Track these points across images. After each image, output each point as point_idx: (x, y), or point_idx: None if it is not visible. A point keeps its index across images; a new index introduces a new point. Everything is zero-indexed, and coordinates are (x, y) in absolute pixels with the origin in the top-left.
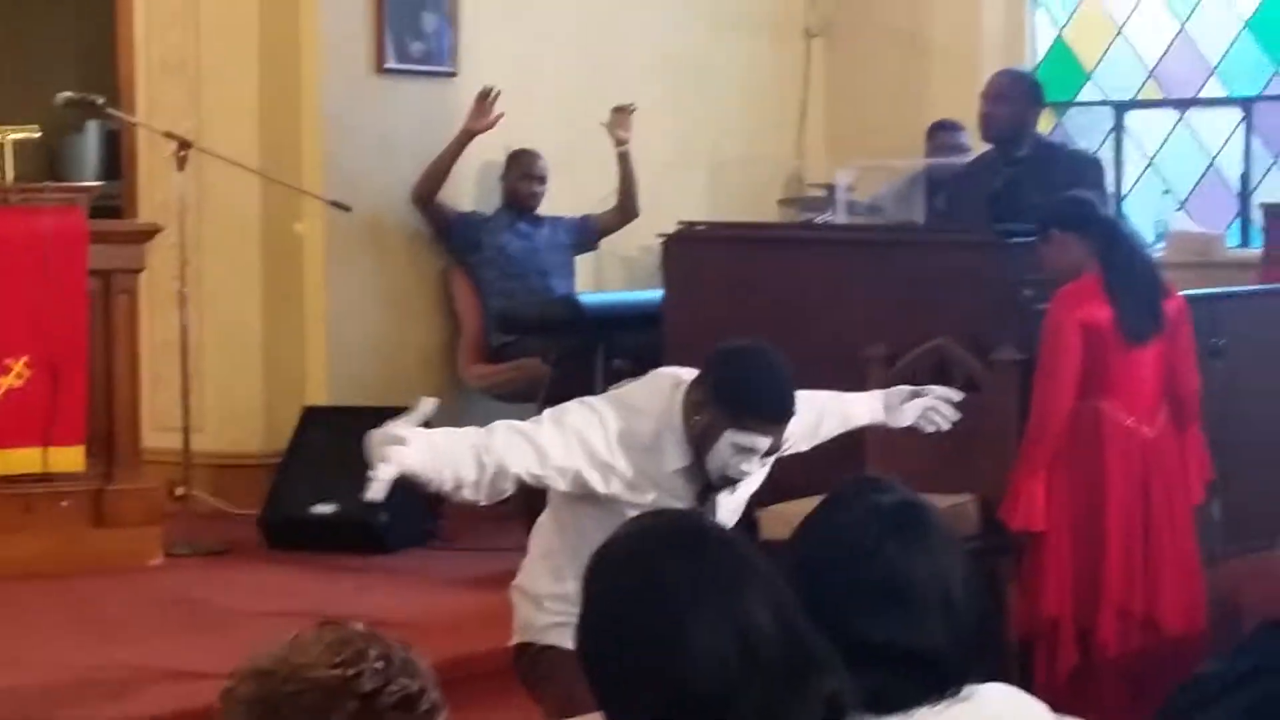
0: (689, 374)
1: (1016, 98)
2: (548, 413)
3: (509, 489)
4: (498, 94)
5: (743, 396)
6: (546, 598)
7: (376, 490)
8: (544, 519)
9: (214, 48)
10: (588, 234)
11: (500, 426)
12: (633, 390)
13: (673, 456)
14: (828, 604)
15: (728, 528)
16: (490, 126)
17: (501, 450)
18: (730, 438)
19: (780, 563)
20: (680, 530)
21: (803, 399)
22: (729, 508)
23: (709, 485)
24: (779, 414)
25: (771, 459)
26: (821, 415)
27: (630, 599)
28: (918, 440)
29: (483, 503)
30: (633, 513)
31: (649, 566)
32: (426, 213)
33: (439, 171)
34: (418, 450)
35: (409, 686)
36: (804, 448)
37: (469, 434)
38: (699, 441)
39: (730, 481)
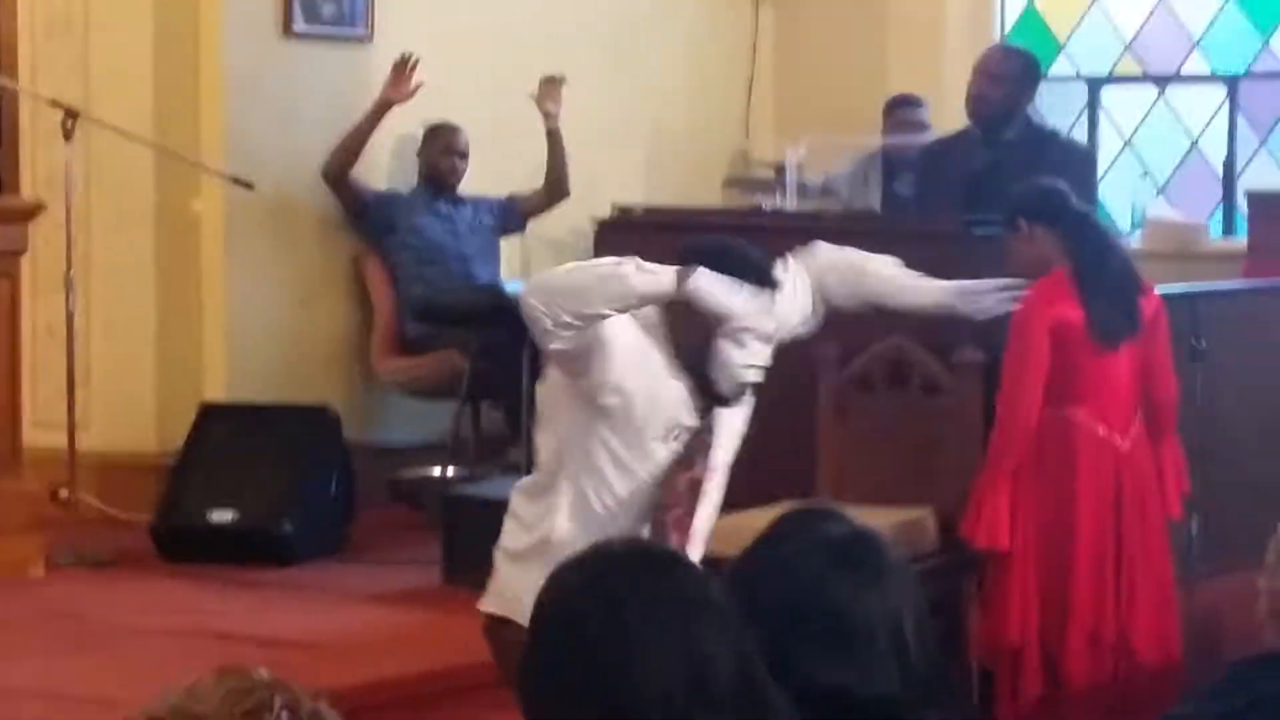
0: None
1: (1014, 77)
2: None
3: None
4: (417, 61)
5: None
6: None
7: None
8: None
9: (103, 6)
10: (513, 216)
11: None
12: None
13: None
14: (771, 643)
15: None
16: (409, 96)
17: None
18: (728, 330)
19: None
20: (644, 557)
21: (829, 250)
22: (731, 428)
23: (716, 399)
24: (763, 278)
25: (773, 345)
26: (863, 271)
27: (584, 618)
28: (872, 448)
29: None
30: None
31: (608, 589)
32: (338, 191)
33: (353, 145)
34: None
35: None
36: (848, 305)
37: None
38: (697, 355)
39: (744, 388)
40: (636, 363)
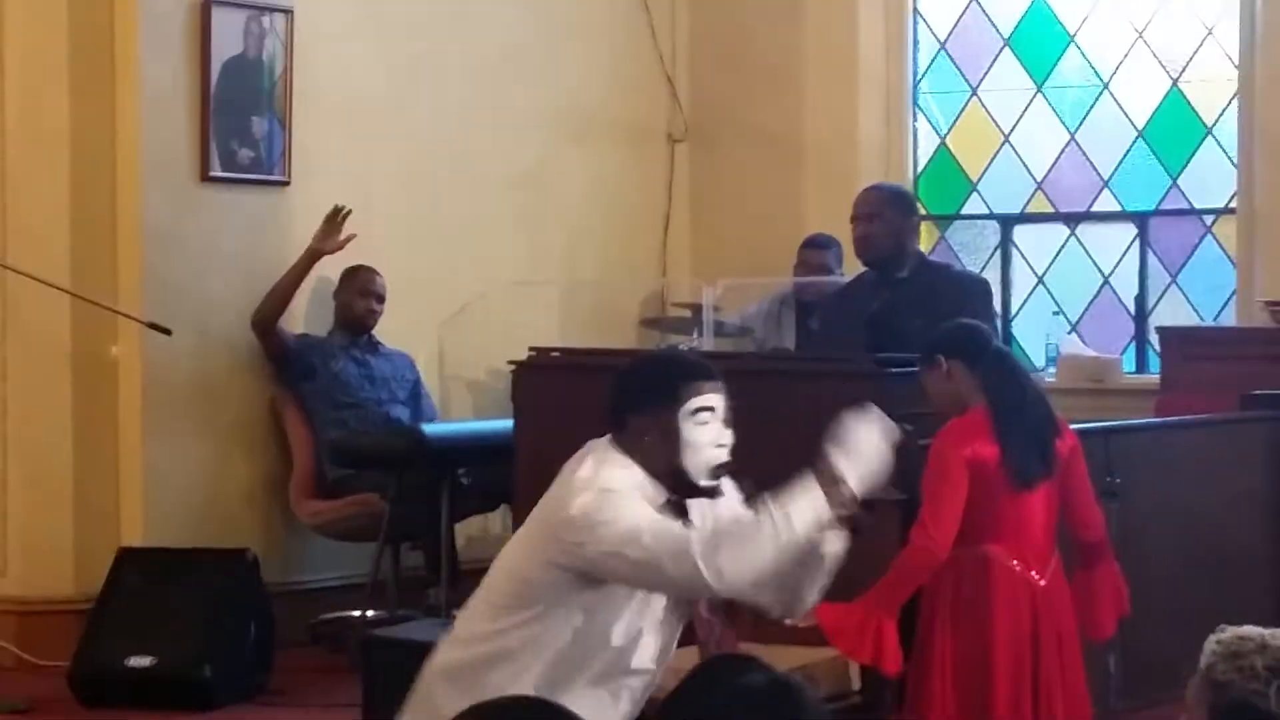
0: (601, 444)
1: (891, 215)
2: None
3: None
4: (348, 213)
5: (662, 374)
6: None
7: None
8: (490, 623)
9: (19, 155)
10: (420, 399)
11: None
12: (602, 478)
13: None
14: None
15: None
16: (340, 247)
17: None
18: (686, 415)
19: None
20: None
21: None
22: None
23: (696, 494)
24: (701, 367)
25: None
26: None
27: None
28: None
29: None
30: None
31: None
32: (265, 339)
33: (282, 295)
34: None
35: None
36: None
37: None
38: (668, 457)
39: (720, 472)
40: None
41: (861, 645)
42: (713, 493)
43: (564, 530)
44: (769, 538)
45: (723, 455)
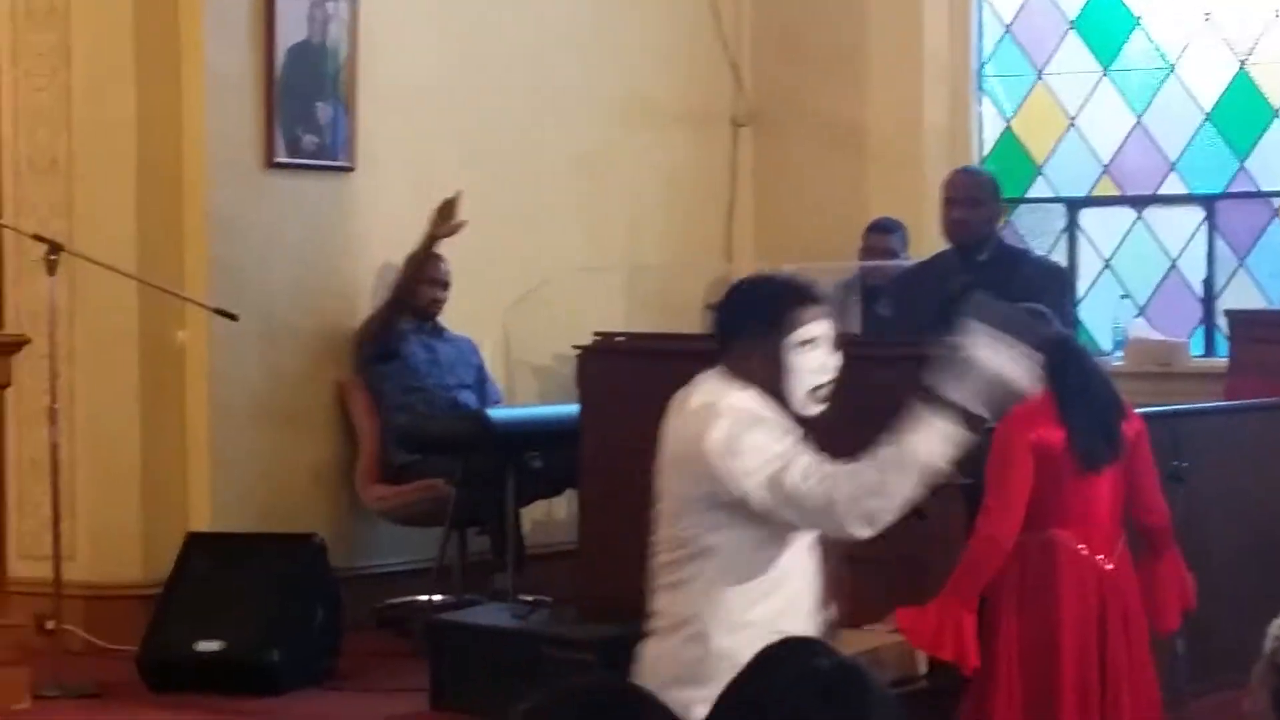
0: (710, 374)
1: (990, 201)
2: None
3: None
4: (460, 197)
5: (768, 301)
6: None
7: None
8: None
9: (87, 145)
10: (485, 384)
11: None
12: (738, 409)
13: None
14: None
15: None
16: (455, 232)
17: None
18: (791, 346)
19: None
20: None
21: None
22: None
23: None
24: (807, 292)
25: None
26: None
27: None
28: (858, 570)
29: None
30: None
31: None
32: (398, 315)
33: (415, 273)
34: None
35: None
36: None
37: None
38: (776, 384)
39: (819, 394)
40: None
41: (941, 643)
42: (811, 415)
43: (709, 460)
44: (904, 472)
45: (822, 378)
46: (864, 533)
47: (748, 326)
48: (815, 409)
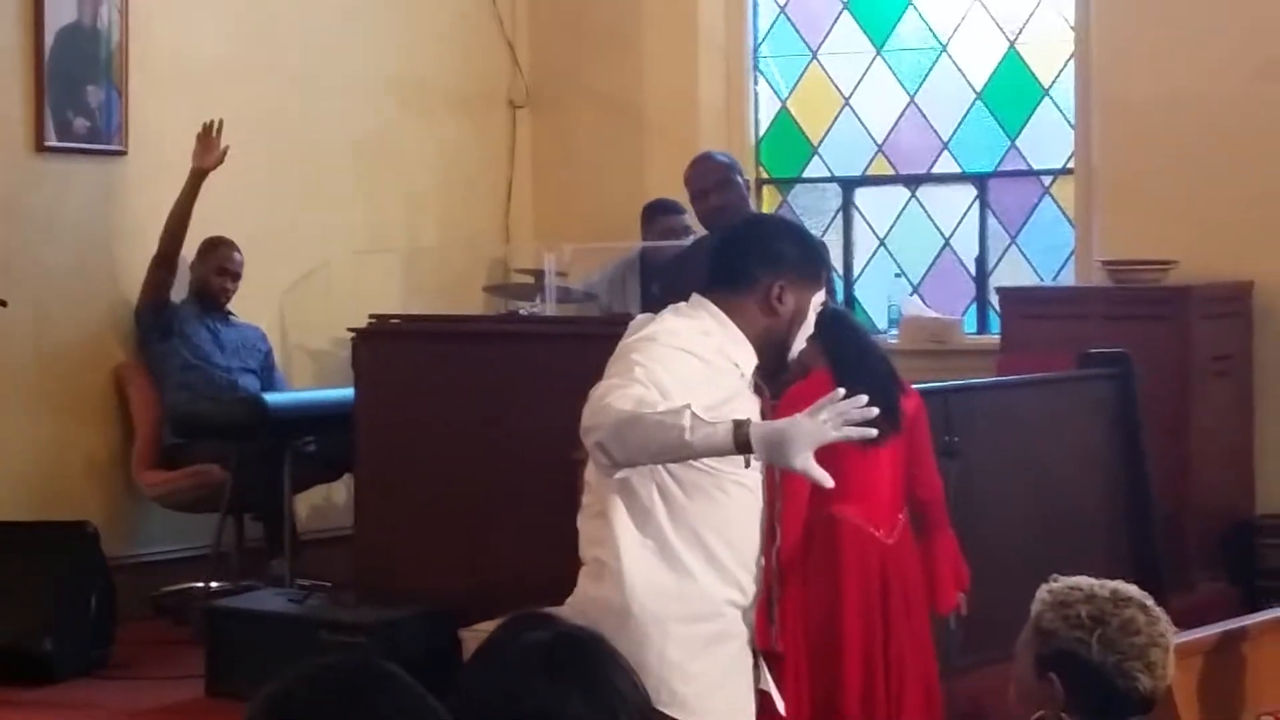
0: (689, 310)
1: (739, 181)
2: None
3: None
4: (221, 123)
5: (813, 255)
6: (674, 617)
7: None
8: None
9: None
10: (269, 370)
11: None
12: (664, 332)
13: (743, 362)
14: None
15: None
16: (220, 161)
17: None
18: (815, 303)
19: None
20: (361, 675)
21: None
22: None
23: (776, 369)
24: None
25: None
26: None
27: None
28: None
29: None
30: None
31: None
32: (167, 272)
33: (178, 224)
34: None
35: None
36: None
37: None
38: (787, 328)
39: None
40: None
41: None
42: (787, 370)
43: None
44: (674, 431)
45: (810, 330)
46: (585, 439)
47: (790, 267)
48: (790, 365)
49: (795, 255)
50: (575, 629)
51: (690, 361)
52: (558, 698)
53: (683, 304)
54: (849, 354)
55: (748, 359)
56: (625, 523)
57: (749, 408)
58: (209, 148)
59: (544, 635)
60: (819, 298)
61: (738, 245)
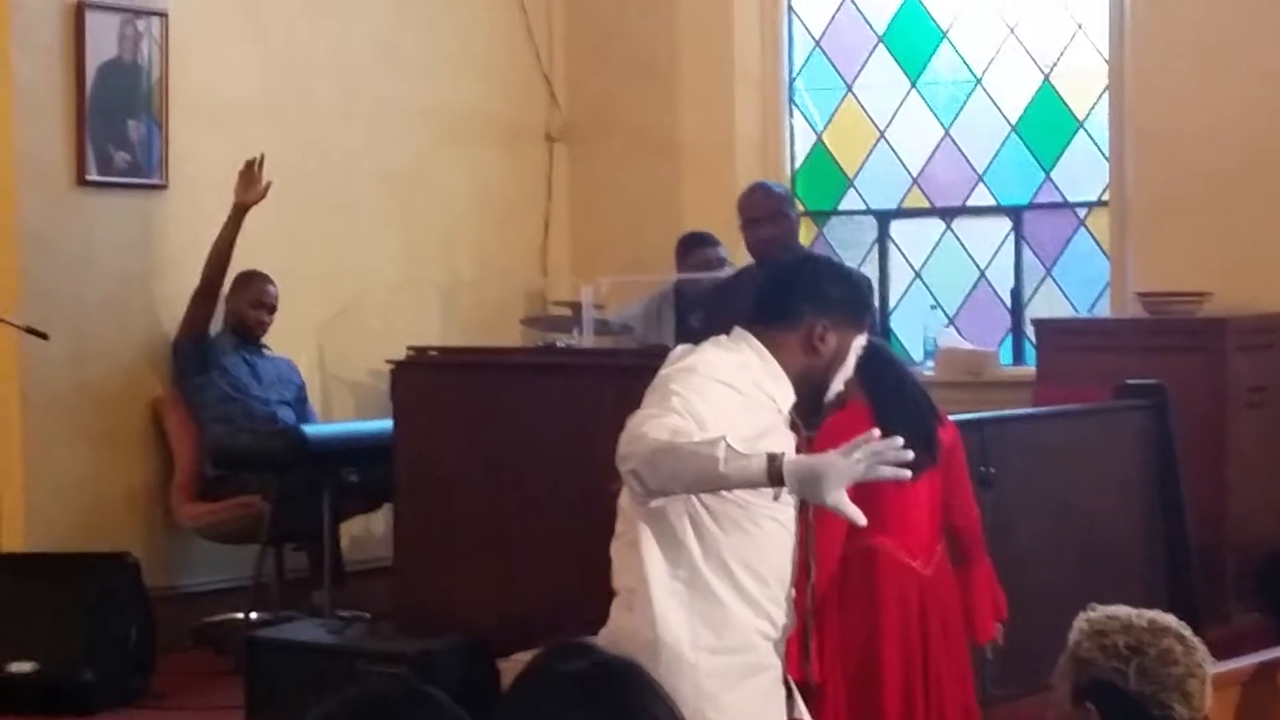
0: (729, 342)
1: (791, 213)
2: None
3: None
4: (263, 159)
5: (860, 298)
6: (705, 648)
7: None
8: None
9: None
10: (303, 404)
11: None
12: (703, 363)
13: (780, 398)
14: None
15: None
16: (263, 196)
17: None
18: (857, 347)
19: None
20: (401, 702)
21: None
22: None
23: (813, 409)
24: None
25: None
26: None
27: None
28: None
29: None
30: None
31: None
32: (207, 307)
33: (222, 256)
34: None
35: None
36: None
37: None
38: (827, 368)
39: (837, 401)
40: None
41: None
42: (828, 411)
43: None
44: (708, 461)
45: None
46: (620, 466)
47: (837, 307)
48: (830, 407)
49: (842, 297)
50: (612, 659)
51: (728, 394)
52: None
53: (724, 336)
54: (887, 385)
55: (785, 395)
56: (656, 553)
57: (784, 443)
58: (251, 183)
59: (581, 665)
60: (860, 341)
61: (786, 281)
